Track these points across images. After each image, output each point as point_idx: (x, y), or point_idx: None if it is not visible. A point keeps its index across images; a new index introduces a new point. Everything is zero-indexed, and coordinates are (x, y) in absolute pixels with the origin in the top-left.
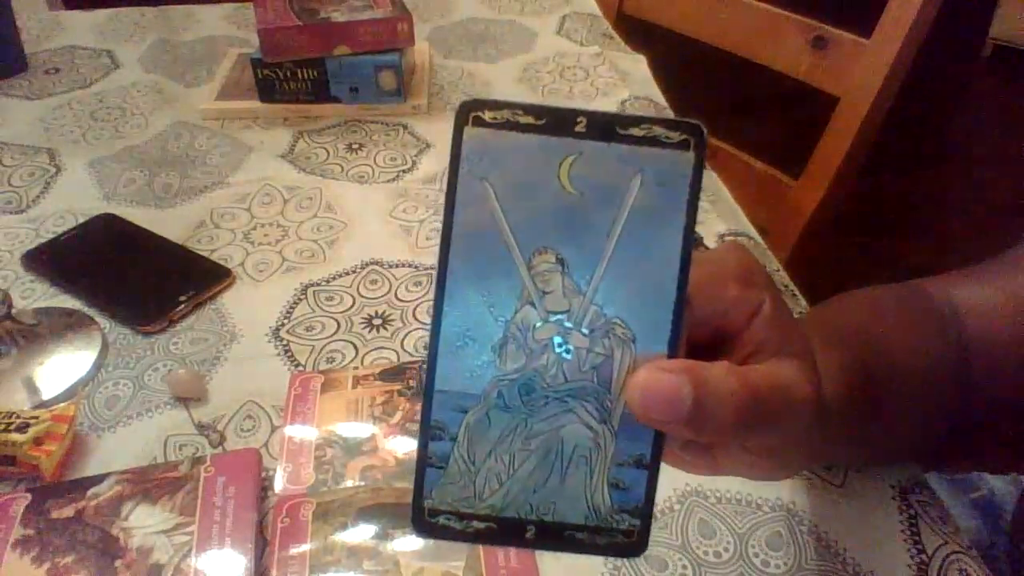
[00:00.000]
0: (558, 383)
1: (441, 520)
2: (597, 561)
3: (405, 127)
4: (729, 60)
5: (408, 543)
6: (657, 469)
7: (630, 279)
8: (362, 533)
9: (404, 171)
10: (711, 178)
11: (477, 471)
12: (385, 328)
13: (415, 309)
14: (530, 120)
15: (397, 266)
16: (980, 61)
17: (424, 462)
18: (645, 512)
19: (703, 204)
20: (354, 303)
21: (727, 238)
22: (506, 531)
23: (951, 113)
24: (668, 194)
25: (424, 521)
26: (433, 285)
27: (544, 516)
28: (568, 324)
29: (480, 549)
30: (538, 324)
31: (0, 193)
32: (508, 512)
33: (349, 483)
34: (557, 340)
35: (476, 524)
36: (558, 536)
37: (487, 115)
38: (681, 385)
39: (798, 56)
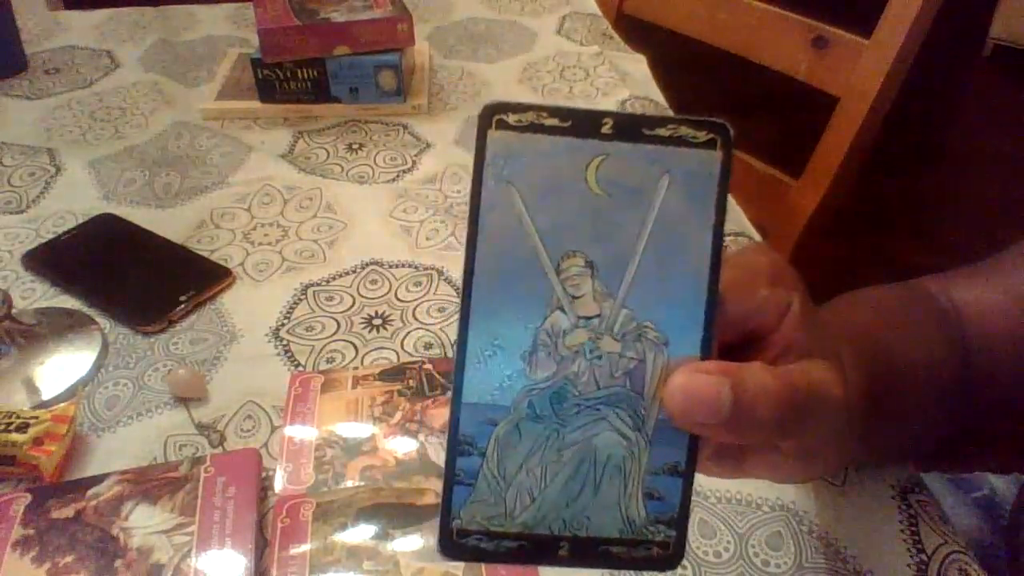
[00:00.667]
0: (590, 391)
1: (471, 541)
2: None
3: (405, 127)
4: (729, 60)
5: (408, 543)
6: (692, 477)
7: (661, 281)
8: (362, 533)
9: (404, 171)
10: None
11: (508, 487)
12: (385, 328)
13: (415, 309)
14: (555, 122)
15: (397, 266)
16: (980, 61)
17: (452, 480)
18: (681, 521)
19: None
20: (354, 303)
21: (727, 238)
22: (538, 549)
23: (951, 113)
24: (696, 194)
25: (453, 543)
26: (459, 295)
27: (577, 531)
28: (600, 329)
29: None
30: (568, 330)
31: (0, 193)
32: (540, 529)
33: (349, 483)
34: (588, 346)
35: (507, 543)
36: (592, 551)
37: (511, 118)
38: (720, 386)
39: (798, 56)
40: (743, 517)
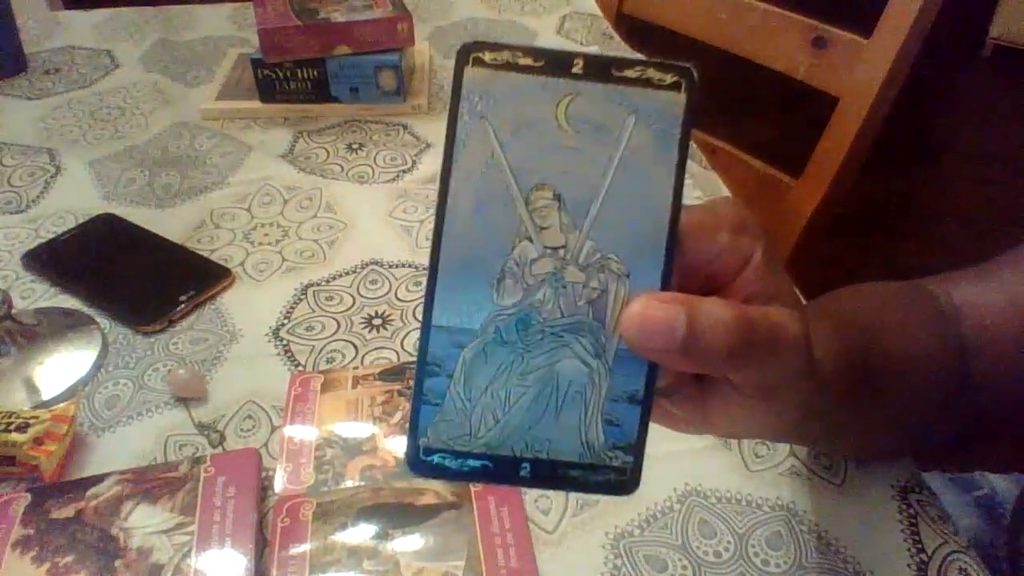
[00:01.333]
0: (554, 318)
1: (436, 459)
2: (598, 561)
3: (405, 127)
4: (729, 60)
5: (408, 543)
6: (649, 405)
7: (624, 216)
8: (362, 533)
9: (404, 171)
10: (710, 177)
11: (473, 408)
12: (385, 328)
13: (415, 309)
14: (529, 61)
15: (397, 266)
16: (980, 61)
17: (420, 400)
18: (638, 449)
19: (702, 197)
20: (354, 303)
21: None
22: (501, 469)
23: (951, 113)
24: (661, 133)
25: (420, 461)
26: (432, 221)
27: (539, 454)
28: (565, 259)
29: (481, 550)
30: (535, 259)
31: (0, 193)
32: (503, 450)
33: (349, 483)
34: (554, 275)
35: (471, 462)
36: (552, 473)
37: (487, 56)
38: (676, 312)
39: (798, 56)
40: (743, 517)
